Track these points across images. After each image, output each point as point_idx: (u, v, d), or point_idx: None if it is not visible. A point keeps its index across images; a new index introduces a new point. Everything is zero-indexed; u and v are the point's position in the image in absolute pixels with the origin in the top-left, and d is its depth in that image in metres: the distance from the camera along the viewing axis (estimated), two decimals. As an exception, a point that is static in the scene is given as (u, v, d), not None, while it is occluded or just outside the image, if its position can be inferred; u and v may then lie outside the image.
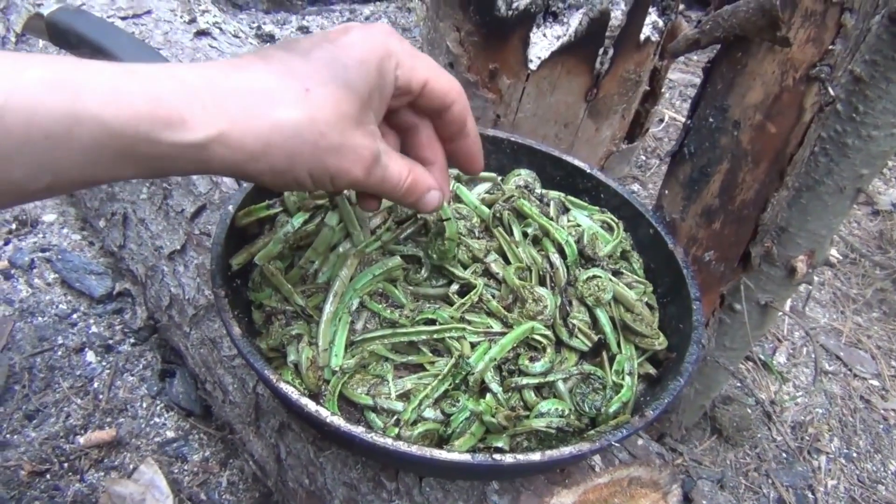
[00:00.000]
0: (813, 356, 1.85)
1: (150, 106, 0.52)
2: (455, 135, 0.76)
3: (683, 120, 2.65)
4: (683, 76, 2.96)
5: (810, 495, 1.53)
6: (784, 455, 1.59)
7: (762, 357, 1.80)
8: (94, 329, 1.52)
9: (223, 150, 0.56)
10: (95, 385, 1.42)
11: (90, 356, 1.46)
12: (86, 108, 0.49)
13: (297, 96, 0.59)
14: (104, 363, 1.46)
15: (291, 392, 0.72)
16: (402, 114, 0.74)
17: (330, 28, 0.69)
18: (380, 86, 0.64)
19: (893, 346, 1.94)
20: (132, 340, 1.51)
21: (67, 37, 0.85)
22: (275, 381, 0.73)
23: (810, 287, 1.94)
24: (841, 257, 2.21)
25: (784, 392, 1.74)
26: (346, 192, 0.95)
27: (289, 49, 0.62)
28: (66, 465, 1.28)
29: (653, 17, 1.76)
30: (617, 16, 1.65)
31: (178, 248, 1.26)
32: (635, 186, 2.32)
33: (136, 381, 1.44)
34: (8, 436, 1.30)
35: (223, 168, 0.57)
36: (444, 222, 0.90)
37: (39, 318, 1.51)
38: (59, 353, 1.45)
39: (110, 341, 1.50)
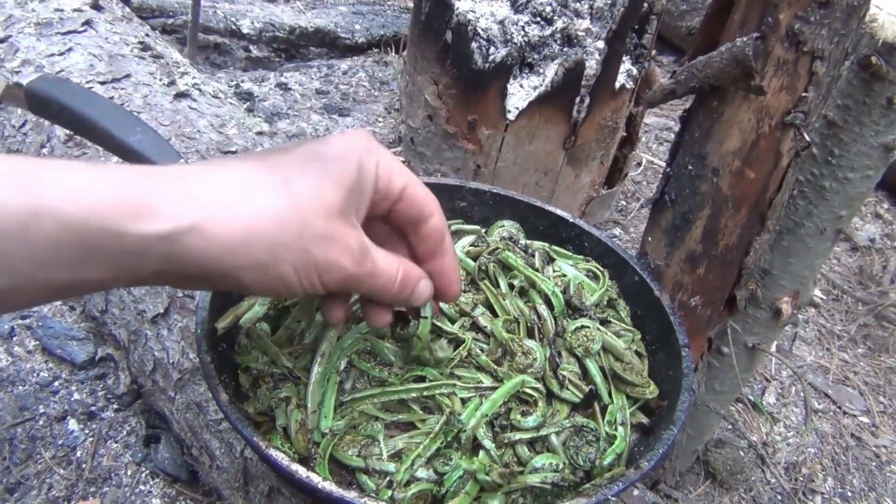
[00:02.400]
0: (802, 395, 1.85)
1: (115, 195, 0.49)
2: (433, 252, 0.73)
3: (661, 163, 2.68)
4: (658, 120, 3.01)
5: (808, 537, 1.52)
6: (779, 497, 1.58)
7: (752, 398, 1.80)
8: (76, 396, 1.49)
9: (198, 242, 0.52)
10: (78, 454, 1.39)
11: (72, 424, 1.43)
12: (44, 202, 0.46)
13: (277, 186, 0.57)
14: (87, 431, 1.43)
15: (282, 458, 0.71)
16: (379, 228, 0.71)
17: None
18: (360, 181, 0.62)
19: (880, 381, 1.95)
20: (115, 406, 1.48)
21: (47, 106, 0.84)
22: (264, 447, 0.72)
23: (796, 327, 1.95)
24: (824, 296, 2.22)
25: (775, 433, 1.74)
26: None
27: (268, 150, 0.61)
28: (48, 538, 1.25)
29: (627, 65, 1.79)
30: (592, 65, 1.68)
31: (162, 311, 1.25)
32: (617, 230, 2.34)
33: (120, 447, 1.41)
34: (-12, 510, 1.26)
35: (198, 263, 0.53)
36: (420, 319, 0.84)
37: (20, 387, 1.48)
38: (41, 422, 1.42)
39: (93, 408, 1.47)
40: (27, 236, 0.46)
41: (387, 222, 0.71)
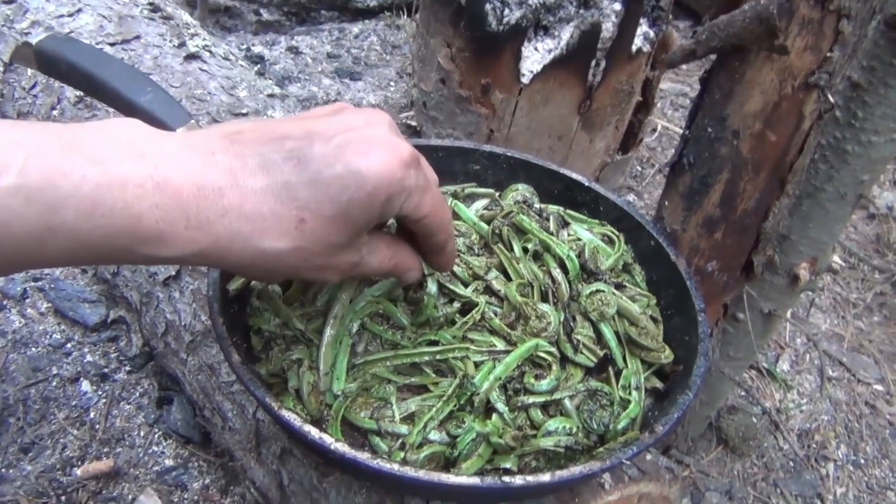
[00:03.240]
0: (817, 362, 1.84)
1: (130, 223, 0.50)
2: (431, 254, 0.75)
3: (676, 129, 2.65)
4: (674, 86, 2.96)
5: (819, 503, 1.51)
6: (791, 464, 1.58)
7: (766, 365, 1.79)
8: (88, 358, 1.49)
9: (200, 261, 0.55)
10: (91, 415, 1.39)
11: (85, 386, 1.44)
12: (63, 223, 0.47)
13: (288, 227, 0.56)
14: (100, 392, 1.44)
15: (294, 419, 0.71)
16: None
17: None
18: (381, 216, 0.61)
19: (895, 350, 1.94)
20: (128, 368, 1.49)
21: (57, 65, 0.83)
22: (277, 408, 0.71)
23: (812, 294, 1.93)
24: (842, 263, 2.20)
25: (789, 400, 1.73)
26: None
27: (300, 157, 0.56)
28: (63, 497, 1.26)
29: (644, 28, 1.76)
30: (608, 28, 1.65)
31: (173, 273, 1.24)
32: (631, 197, 2.32)
33: (132, 409, 1.42)
34: (3, 470, 1.27)
35: (200, 266, 0.59)
36: (424, 293, 0.87)
37: (33, 349, 1.49)
38: (54, 383, 1.43)
39: (106, 370, 1.48)
40: (43, 250, 0.48)
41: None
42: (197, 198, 0.52)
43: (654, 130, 2.66)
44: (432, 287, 0.88)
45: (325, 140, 0.57)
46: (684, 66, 3.12)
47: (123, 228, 0.49)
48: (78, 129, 0.51)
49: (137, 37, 1.61)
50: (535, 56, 1.69)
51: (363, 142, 0.58)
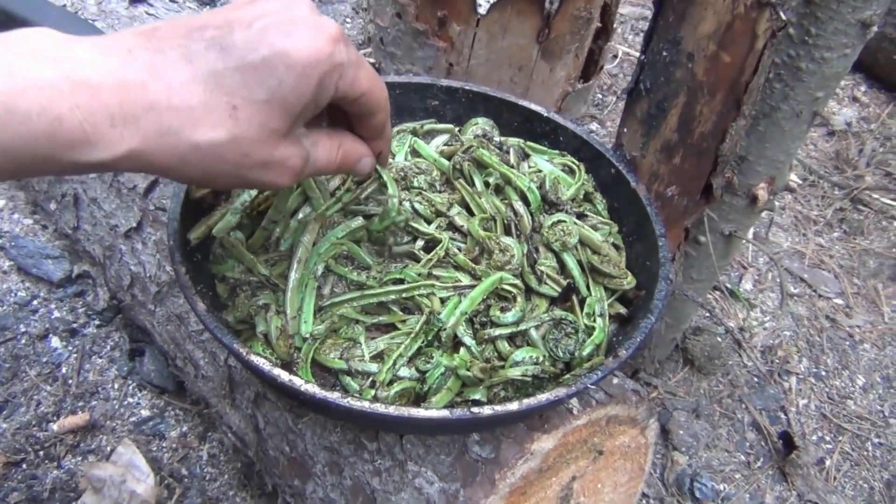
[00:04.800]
0: (778, 280, 1.88)
1: (51, 127, 0.47)
2: (372, 138, 0.72)
3: (637, 55, 2.63)
4: (634, 9, 2.93)
5: (783, 416, 1.57)
6: (755, 379, 1.63)
7: (729, 286, 1.83)
8: (56, 314, 1.48)
9: (133, 165, 0.52)
10: (64, 370, 1.39)
11: (55, 342, 1.44)
12: None
13: (221, 116, 0.54)
14: (70, 348, 1.43)
15: (263, 364, 0.71)
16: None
17: None
18: (316, 98, 0.58)
19: (855, 263, 1.98)
20: (97, 322, 1.48)
21: (-8, 14, 0.80)
22: (245, 354, 0.72)
23: (772, 213, 1.96)
24: (800, 181, 2.23)
25: (752, 318, 1.77)
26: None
27: (223, 45, 0.54)
28: (41, 453, 1.26)
29: (599, -49, 1.73)
30: (563, -47, 1.62)
31: (134, 225, 1.23)
32: (594, 125, 2.31)
33: (105, 362, 1.42)
34: (-21, 429, 1.27)
35: (132, 172, 0.55)
36: (388, 198, 0.88)
37: (-1, 308, 1.48)
38: (23, 341, 1.42)
39: (74, 325, 1.47)
40: None
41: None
42: (119, 95, 0.50)
43: (615, 57, 2.64)
44: (391, 186, 0.88)
45: (246, 25, 0.55)
46: (643, -10, 3.09)
47: (44, 134, 0.47)
48: None
49: (79, -18, 1.55)
50: (490, -15, 1.66)
51: (285, 23, 0.56)
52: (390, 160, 0.96)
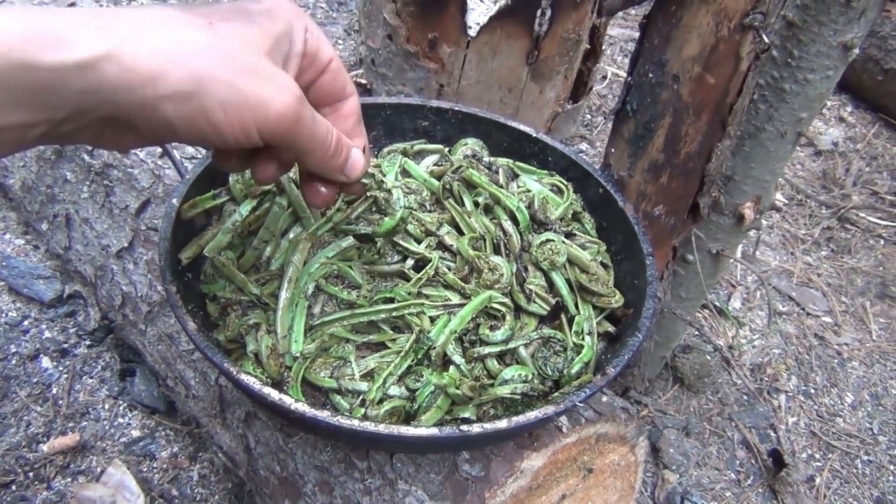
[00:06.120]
0: (766, 299, 1.89)
1: (23, 27, 0.46)
2: (350, 132, 0.71)
3: (625, 76, 2.66)
4: (623, 31, 2.97)
5: (772, 434, 1.57)
6: (745, 397, 1.64)
7: (717, 304, 1.84)
8: (47, 334, 1.48)
9: (115, 69, 0.49)
10: (54, 391, 1.39)
11: (46, 362, 1.43)
12: None
13: (200, 24, 0.54)
14: (61, 368, 1.43)
15: (253, 382, 0.72)
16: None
17: None
18: (289, 35, 0.60)
19: (843, 282, 2.00)
20: (88, 342, 1.48)
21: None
22: (235, 373, 0.72)
23: (759, 232, 1.98)
24: (787, 200, 2.25)
25: (741, 336, 1.78)
26: (291, 174, 0.94)
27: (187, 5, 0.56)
28: (31, 474, 1.26)
29: (587, -26, 1.75)
30: (552, -24, 1.64)
31: (126, 245, 1.23)
32: (583, 145, 2.33)
33: (95, 383, 1.42)
34: (-32, 451, 1.27)
35: (117, 95, 0.50)
36: (392, 190, 0.88)
37: (-11, 328, 1.47)
38: (14, 361, 1.42)
39: (65, 345, 1.47)
40: None
41: (307, 95, 0.68)
42: (94, 11, 0.51)
43: (605, 78, 2.67)
44: (389, 182, 0.88)
45: None
46: (633, 11, 3.12)
47: (16, 34, 0.46)
48: None
49: None
50: (480, 7, 1.68)
51: None
52: (383, 179, 0.97)
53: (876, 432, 1.62)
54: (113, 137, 0.57)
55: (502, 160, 1.09)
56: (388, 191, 0.87)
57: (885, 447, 1.59)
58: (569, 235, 0.98)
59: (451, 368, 0.83)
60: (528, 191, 1.03)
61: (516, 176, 1.07)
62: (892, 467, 1.55)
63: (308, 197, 0.73)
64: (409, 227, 0.93)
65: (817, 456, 1.55)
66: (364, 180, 0.99)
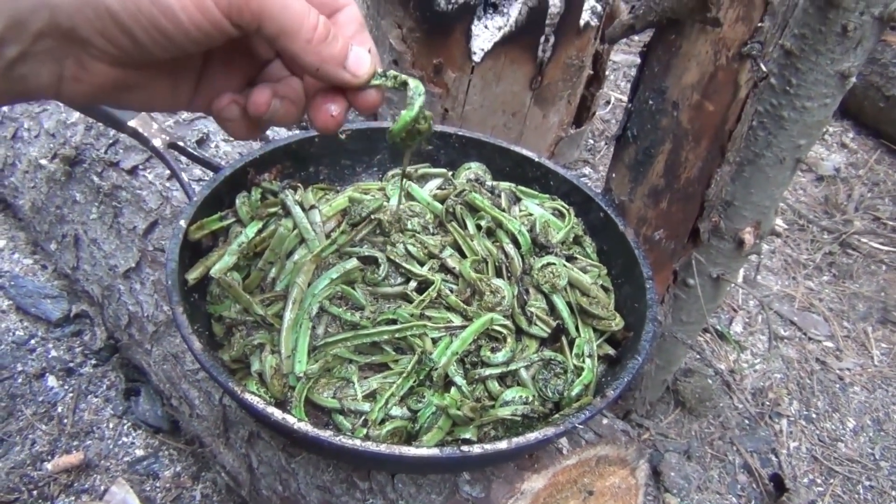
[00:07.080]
0: (768, 323, 1.90)
1: None
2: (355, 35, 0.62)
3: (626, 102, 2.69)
4: (626, 57, 3.00)
5: (774, 458, 1.57)
6: (746, 422, 1.64)
7: (719, 328, 1.84)
8: (53, 353, 1.50)
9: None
10: (59, 409, 1.40)
11: (51, 381, 1.44)
12: None
13: None
14: (66, 387, 1.44)
15: (257, 402, 0.73)
16: (276, 68, 0.65)
17: None
18: None
19: (844, 307, 2.00)
20: (93, 362, 1.49)
21: None
22: (239, 392, 0.73)
23: (760, 256, 1.99)
24: (788, 225, 2.26)
25: (742, 360, 1.79)
26: (297, 196, 0.95)
27: None
28: (35, 492, 1.26)
29: (591, 2, 1.78)
30: (556, 3, 1.67)
31: (133, 265, 1.25)
32: (586, 170, 2.35)
33: (100, 402, 1.43)
34: (-27, 468, 1.28)
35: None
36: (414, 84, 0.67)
37: (-4, 347, 1.49)
38: (20, 380, 1.43)
39: (71, 364, 1.48)
40: None
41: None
42: None
43: (608, 103, 2.69)
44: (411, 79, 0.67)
45: None
46: (636, 38, 3.16)
47: None
48: None
49: None
50: (485, 34, 1.71)
51: None
52: (384, 203, 0.99)
53: (878, 457, 1.61)
54: (73, 70, 0.52)
55: (505, 184, 1.11)
56: (405, 83, 0.66)
57: (888, 472, 1.58)
58: (570, 259, 1.00)
59: (453, 390, 0.84)
60: (530, 214, 1.05)
61: (518, 200, 1.08)
62: (894, 493, 1.55)
63: (313, 116, 0.64)
64: (412, 250, 0.94)
65: (819, 481, 1.55)
66: (366, 196, 1.01)
